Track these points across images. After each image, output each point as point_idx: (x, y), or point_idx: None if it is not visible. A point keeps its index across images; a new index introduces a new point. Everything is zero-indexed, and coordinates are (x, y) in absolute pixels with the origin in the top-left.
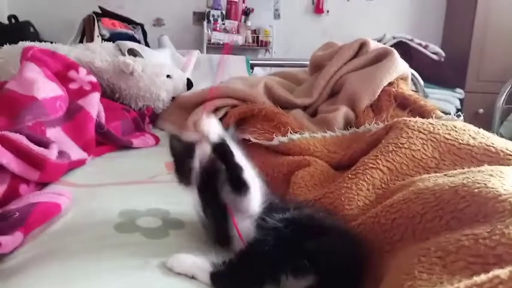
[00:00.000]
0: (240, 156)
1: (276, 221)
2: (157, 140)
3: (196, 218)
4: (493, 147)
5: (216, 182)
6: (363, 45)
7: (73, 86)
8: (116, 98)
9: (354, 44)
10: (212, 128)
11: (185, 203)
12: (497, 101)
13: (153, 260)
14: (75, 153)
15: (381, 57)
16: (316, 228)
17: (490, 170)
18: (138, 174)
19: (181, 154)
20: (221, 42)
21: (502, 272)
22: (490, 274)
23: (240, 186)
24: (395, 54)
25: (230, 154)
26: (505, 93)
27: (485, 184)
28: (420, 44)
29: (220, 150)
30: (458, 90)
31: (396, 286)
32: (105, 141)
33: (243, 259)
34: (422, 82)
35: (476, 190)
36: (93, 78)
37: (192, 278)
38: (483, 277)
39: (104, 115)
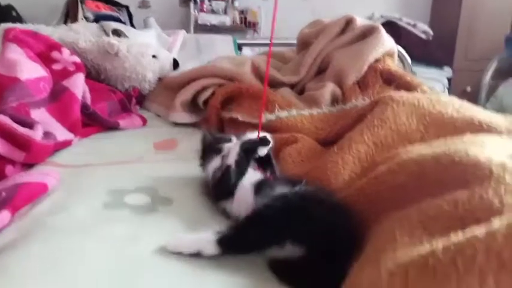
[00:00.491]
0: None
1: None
2: (144, 121)
3: (185, 194)
4: (476, 119)
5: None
6: (349, 22)
7: (56, 66)
8: (102, 79)
9: (340, 20)
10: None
11: (174, 181)
12: (484, 77)
13: (143, 234)
14: (61, 134)
15: (367, 33)
16: (319, 200)
17: (471, 139)
18: (126, 155)
19: (211, 144)
20: (208, 24)
21: (479, 231)
22: (468, 232)
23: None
24: (382, 30)
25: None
26: (491, 70)
27: (466, 153)
28: (409, 23)
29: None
30: (446, 68)
31: (378, 250)
32: (92, 122)
33: (251, 221)
34: (409, 60)
35: (457, 159)
36: (77, 59)
37: (197, 254)
38: (460, 236)
39: (89, 96)
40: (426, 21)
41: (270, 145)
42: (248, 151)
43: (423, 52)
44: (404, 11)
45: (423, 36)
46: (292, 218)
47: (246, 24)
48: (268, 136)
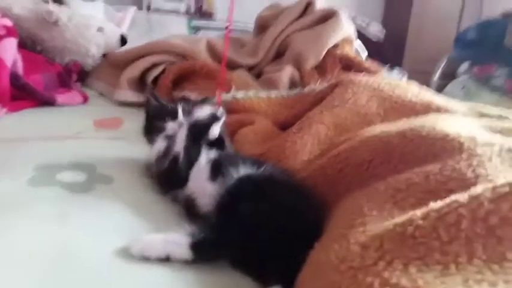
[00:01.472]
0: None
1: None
2: (85, 97)
3: (128, 174)
4: (435, 104)
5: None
6: (309, 5)
7: None
8: (38, 51)
9: (301, 3)
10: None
11: (116, 160)
12: (432, 77)
13: (73, 214)
14: None
15: (327, 17)
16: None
17: (436, 117)
18: (61, 130)
19: (155, 116)
20: (162, 9)
21: (461, 197)
22: (448, 199)
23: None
24: (341, 15)
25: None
26: (439, 70)
27: (433, 127)
28: (363, 21)
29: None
30: (397, 69)
31: (345, 226)
32: (24, 95)
33: (227, 222)
34: (366, 53)
35: (424, 133)
36: (9, 22)
37: (166, 259)
38: (440, 203)
39: (21, 65)
40: (379, 20)
41: (222, 120)
42: (199, 134)
43: (375, 52)
44: (358, 9)
45: (374, 39)
46: (263, 207)
47: (201, 13)
48: (220, 111)
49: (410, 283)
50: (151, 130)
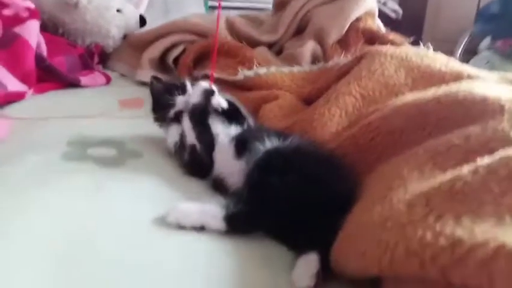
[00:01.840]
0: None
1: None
2: (108, 78)
3: (156, 150)
4: (466, 73)
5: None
6: None
7: (7, 12)
8: (60, 34)
9: None
10: None
11: (143, 137)
12: (454, 53)
13: (109, 186)
14: (13, 84)
15: None
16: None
17: (469, 83)
18: (87, 110)
19: (162, 93)
20: None
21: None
22: (496, 155)
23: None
24: None
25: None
26: (462, 45)
27: (469, 92)
28: (379, 1)
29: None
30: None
31: (382, 190)
32: (48, 77)
33: (259, 194)
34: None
35: (460, 97)
36: (31, 4)
37: (201, 229)
38: (487, 159)
39: (45, 48)
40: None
41: (215, 92)
42: (200, 115)
43: (392, 31)
44: None
45: (393, 15)
46: (292, 177)
47: None
48: (205, 84)
49: (467, 233)
50: (159, 108)
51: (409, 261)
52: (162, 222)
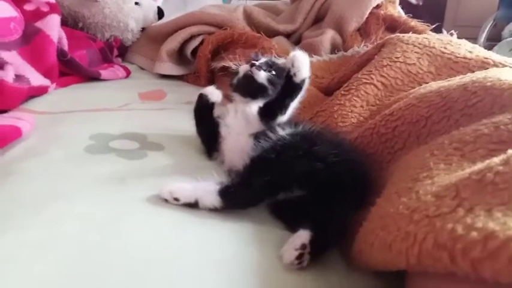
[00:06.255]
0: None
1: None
2: (128, 71)
3: (177, 142)
4: (491, 59)
5: None
6: None
7: (28, 7)
8: (80, 28)
9: None
10: None
11: (164, 129)
12: (479, 38)
13: (130, 178)
14: (36, 78)
15: None
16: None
17: (496, 70)
18: (109, 102)
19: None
20: None
21: None
22: None
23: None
24: None
25: None
26: (486, 31)
27: (497, 78)
28: None
29: None
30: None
31: (408, 181)
32: (70, 71)
33: (255, 170)
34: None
35: (488, 84)
36: None
37: (195, 204)
38: None
39: (66, 42)
40: None
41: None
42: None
43: (413, 17)
44: None
45: (414, 1)
46: (298, 160)
47: None
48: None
49: (499, 226)
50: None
51: (438, 254)
52: (188, 211)
